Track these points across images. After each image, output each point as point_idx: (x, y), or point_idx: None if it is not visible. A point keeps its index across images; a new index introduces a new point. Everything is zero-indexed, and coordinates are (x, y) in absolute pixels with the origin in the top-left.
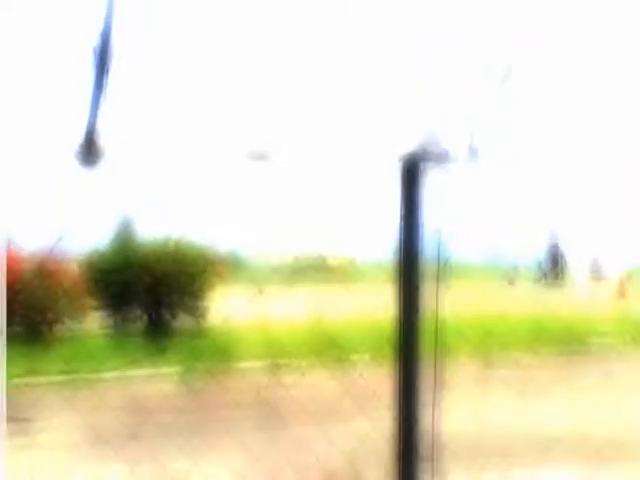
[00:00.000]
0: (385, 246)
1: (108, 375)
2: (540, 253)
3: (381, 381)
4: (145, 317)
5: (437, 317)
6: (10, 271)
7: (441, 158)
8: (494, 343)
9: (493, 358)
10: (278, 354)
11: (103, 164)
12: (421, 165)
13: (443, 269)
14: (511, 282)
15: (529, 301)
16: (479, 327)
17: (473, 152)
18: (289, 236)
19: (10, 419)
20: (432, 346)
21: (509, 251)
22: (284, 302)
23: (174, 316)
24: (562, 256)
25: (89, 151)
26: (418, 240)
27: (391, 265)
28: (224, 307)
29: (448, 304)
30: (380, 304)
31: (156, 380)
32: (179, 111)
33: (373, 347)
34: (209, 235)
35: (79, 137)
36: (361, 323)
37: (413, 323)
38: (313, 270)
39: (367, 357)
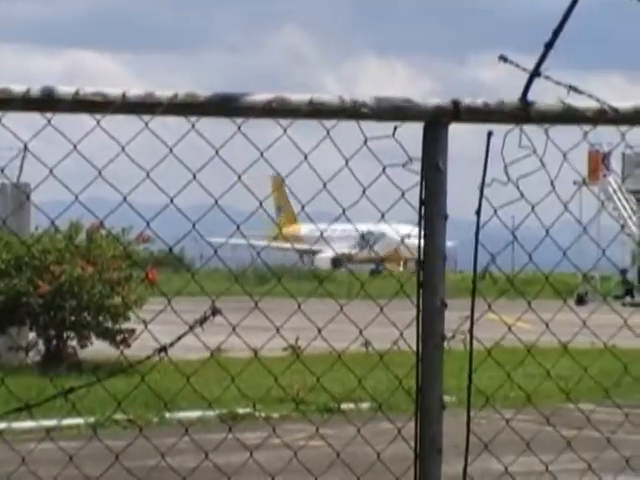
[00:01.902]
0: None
1: None
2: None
3: None
4: (41, 344)
5: (470, 346)
6: None
7: (476, 113)
8: (553, 393)
9: (559, 413)
10: (240, 400)
11: None
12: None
13: (482, 276)
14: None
15: (608, 328)
16: (533, 366)
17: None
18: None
19: None
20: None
21: (580, 256)
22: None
23: (83, 343)
24: None
25: None
26: (442, 229)
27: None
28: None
29: (486, 330)
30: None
31: (50, 437)
32: None
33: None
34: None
35: None
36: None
37: (432, 356)
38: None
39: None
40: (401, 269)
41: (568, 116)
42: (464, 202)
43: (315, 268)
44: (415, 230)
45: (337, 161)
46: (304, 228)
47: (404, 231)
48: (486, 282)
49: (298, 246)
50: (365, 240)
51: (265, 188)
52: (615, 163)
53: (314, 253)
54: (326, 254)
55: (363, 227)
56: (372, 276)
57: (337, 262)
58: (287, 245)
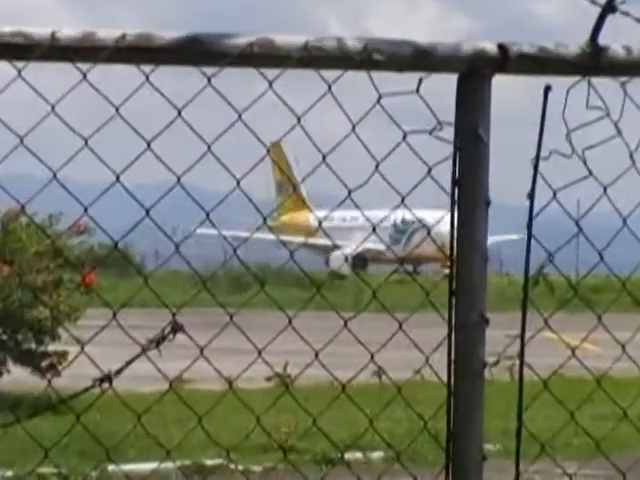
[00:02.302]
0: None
1: None
2: None
3: None
4: None
5: (521, 372)
6: None
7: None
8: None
9: None
10: (209, 447)
11: None
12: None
13: (535, 281)
14: None
15: None
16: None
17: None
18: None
19: None
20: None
21: None
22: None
23: None
24: None
25: None
26: (483, 219)
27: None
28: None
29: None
30: None
31: None
32: None
33: None
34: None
35: None
36: None
37: (468, 390)
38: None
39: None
40: (446, 272)
41: None
42: (508, 181)
43: (331, 271)
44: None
45: (345, 125)
46: (316, 215)
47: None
48: (541, 289)
49: (307, 240)
50: (399, 232)
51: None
52: None
53: (329, 250)
54: (345, 251)
55: (396, 215)
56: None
57: (360, 261)
58: (293, 238)
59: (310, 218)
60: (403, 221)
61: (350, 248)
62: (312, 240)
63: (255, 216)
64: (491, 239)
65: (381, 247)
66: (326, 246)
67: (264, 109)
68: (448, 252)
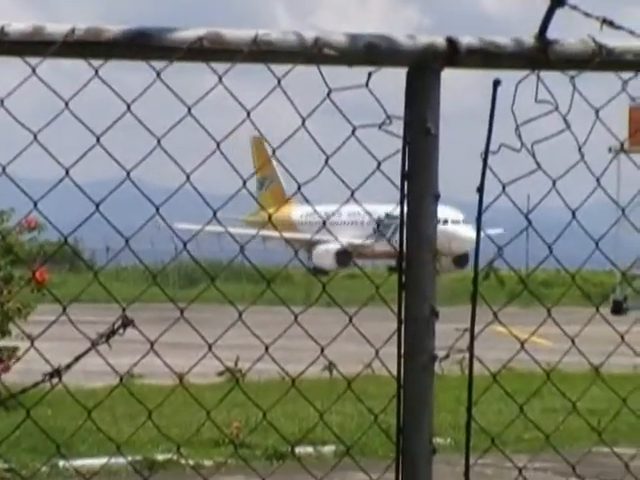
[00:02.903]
0: None
1: None
2: None
3: None
4: None
5: (470, 366)
6: None
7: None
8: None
9: (589, 459)
10: (160, 442)
11: None
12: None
13: (485, 275)
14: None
15: None
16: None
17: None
18: None
19: None
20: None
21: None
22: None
23: None
24: None
25: None
26: (431, 212)
27: None
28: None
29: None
30: None
31: None
32: None
33: None
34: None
35: None
36: None
37: (418, 383)
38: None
39: None
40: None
41: (601, 60)
42: (458, 175)
43: (313, 266)
44: (455, 214)
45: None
46: (297, 211)
47: (440, 214)
48: (491, 283)
49: (289, 235)
50: (383, 226)
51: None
52: None
53: (311, 245)
54: (328, 246)
55: (381, 209)
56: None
57: (344, 257)
58: (273, 233)
59: (292, 213)
60: (387, 215)
61: (334, 244)
62: (294, 235)
63: (237, 211)
64: (491, 232)
65: (366, 242)
66: (309, 241)
67: (218, 104)
68: (438, 246)
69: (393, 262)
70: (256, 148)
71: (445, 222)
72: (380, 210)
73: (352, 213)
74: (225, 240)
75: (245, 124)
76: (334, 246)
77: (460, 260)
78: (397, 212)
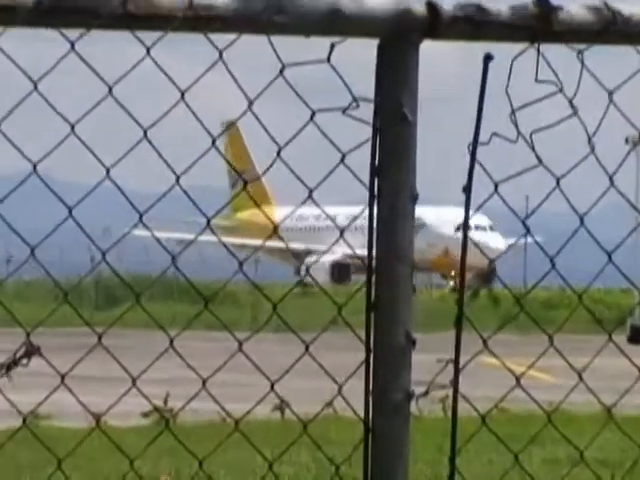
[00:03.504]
0: None
1: None
2: None
3: None
4: None
5: (455, 403)
6: None
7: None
8: None
9: None
10: None
11: None
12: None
13: (473, 294)
14: (637, 335)
15: None
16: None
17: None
18: None
19: None
20: None
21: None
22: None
23: None
24: None
25: None
26: (408, 216)
27: None
28: None
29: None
30: None
31: None
32: None
33: None
34: None
35: None
36: None
37: (390, 427)
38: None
39: None
40: (450, 284)
41: (616, 30)
42: (442, 171)
43: (300, 281)
44: (480, 219)
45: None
46: (280, 214)
47: (457, 219)
48: (483, 303)
49: (273, 244)
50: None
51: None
52: None
53: (299, 256)
54: (322, 257)
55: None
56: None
57: (341, 271)
58: (252, 242)
59: (276, 215)
60: None
61: (329, 254)
62: (278, 244)
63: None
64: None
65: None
66: (297, 251)
67: (148, 82)
68: (456, 258)
69: None
70: (229, 136)
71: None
72: (428, 213)
73: (351, 216)
74: (195, 249)
75: (198, 106)
76: (329, 257)
77: (484, 275)
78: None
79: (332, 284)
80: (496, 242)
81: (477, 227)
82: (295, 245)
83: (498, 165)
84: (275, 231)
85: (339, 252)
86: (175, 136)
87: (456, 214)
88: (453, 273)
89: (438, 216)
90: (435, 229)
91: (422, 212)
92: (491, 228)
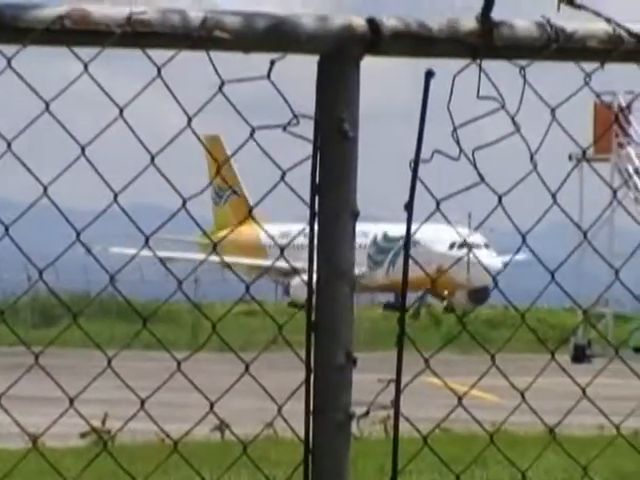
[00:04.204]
0: None
1: None
2: None
3: None
4: None
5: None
6: None
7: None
8: None
9: None
10: None
11: None
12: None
13: (415, 312)
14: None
15: (627, 401)
16: None
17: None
18: None
19: None
20: None
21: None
22: None
23: None
24: None
25: None
26: (348, 234)
27: None
28: None
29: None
30: None
31: None
32: None
33: None
34: None
35: None
36: None
37: (330, 447)
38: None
39: None
40: (443, 304)
41: (558, 47)
42: (383, 189)
43: (290, 301)
44: (475, 237)
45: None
46: (268, 230)
47: (451, 237)
48: (423, 322)
49: (258, 262)
50: (380, 252)
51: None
52: (638, 125)
53: (287, 274)
54: (405, 279)
55: (377, 228)
56: (386, 312)
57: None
58: (236, 259)
59: (260, 233)
60: (385, 238)
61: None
62: (263, 262)
63: (189, 232)
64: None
65: (359, 270)
66: (285, 270)
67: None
68: (451, 276)
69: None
70: (212, 150)
71: (461, 246)
72: (377, 230)
73: None
74: (174, 267)
75: (139, 124)
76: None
77: (478, 295)
78: (399, 233)
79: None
80: (490, 260)
81: (472, 245)
82: (281, 264)
83: (441, 182)
84: (214, 249)
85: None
86: (114, 154)
87: (449, 231)
88: (446, 292)
89: (430, 233)
90: (428, 247)
91: (413, 230)
92: (486, 246)
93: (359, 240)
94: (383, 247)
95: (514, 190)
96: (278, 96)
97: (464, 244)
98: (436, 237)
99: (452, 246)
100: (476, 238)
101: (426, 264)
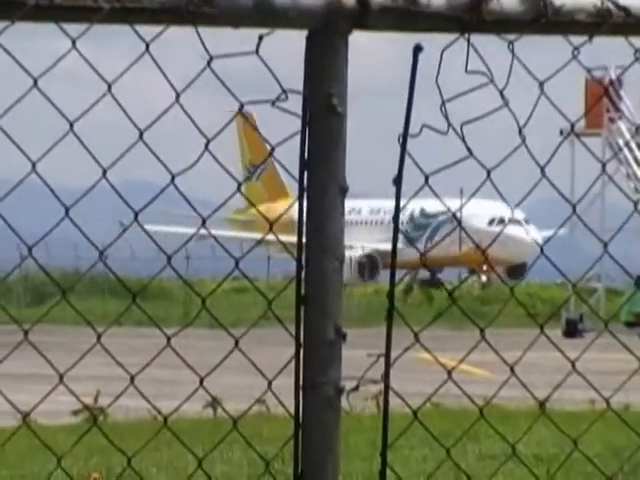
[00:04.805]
0: None
1: None
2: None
3: None
4: None
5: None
6: None
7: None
8: None
9: None
10: None
11: None
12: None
13: (406, 288)
14: (573, 328)
15: (617, 376)
16: None
17: None
18: None
19: None
20: None
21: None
22: None
23: None
24: None
25: None
26: (337, 208)
27: None
28: None
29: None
30: None
31: None
32: None
33: None
34: None
35: None
36: None
37: (320, 422)
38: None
39: None
40: (483, 279)
41: (547, 21)
42: (368, 163)
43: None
44: (511, 212)
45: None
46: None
47: (489, 212)
48: (416, 298)
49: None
50: (417, 228)
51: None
52: (629, 99)
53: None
54: (347, 252)
55: (414, 204)
56: (425, 291)
57: (369, 267)
58: (266, 236)
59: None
60: (423, 213)
61: (356, 251)
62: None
63: (204, 210)
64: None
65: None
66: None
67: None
68: (484, 253)
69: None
70: (243, 124)
71: (501, 222)
72: (414, 206)
73: (374, 210)
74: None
75: (128, 101)
76: (354, 253)
77: (516, 271)
78: (436, 209)
79: (361, 281)
80: (532, 235)
81: (512, 221)
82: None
83: (434, 156)
84: (271, 228)
85: (359, 247)
86: (110, 133)
87: (486, 207)
88: (485, 268)
89: (467, 209)
90: (465, 222)
91: (452, 205)
92: (526, 221)
93: (374, 217)
94: (420, 223)
95: (506, 165)
96: (267, 72)
97: (503, 220)
98: (474, 212)
99: (491, 222)
100: (516, 214)
101: (464, 240)
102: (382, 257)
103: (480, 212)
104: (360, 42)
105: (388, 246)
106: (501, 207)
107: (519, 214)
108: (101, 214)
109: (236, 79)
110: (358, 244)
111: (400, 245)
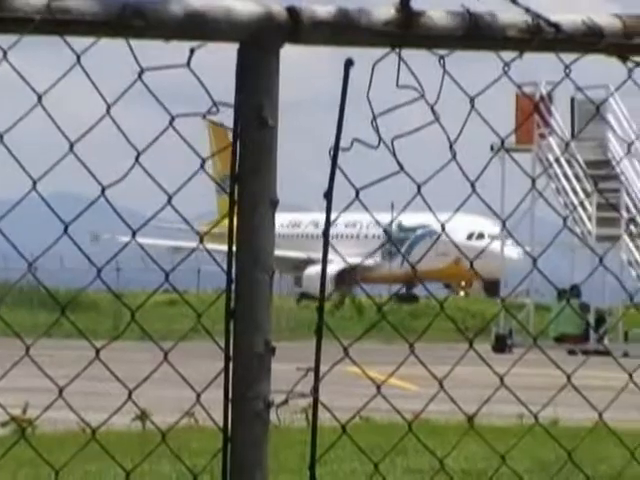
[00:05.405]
0: None
1: None
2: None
3: None
4: None
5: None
6: None
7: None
8: None
9: None
10: None
11: None
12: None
13: (338, 301)
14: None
15: (546, 391)
16: None
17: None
18: None
19: None
20: None
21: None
22: None
23: None
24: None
25: None
26: (268, 222)
27: None
28: None
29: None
30: None
31: None
32: None
33: None
34: None
35: None
36: None
37: (249, 436)
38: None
39: None
40: (461, 294)
41: (477, 35)
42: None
43: (300, 293)
44: (491, 227)
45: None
46: (278, 220)
47: (469, 227)
48: (347, 312)
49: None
50: (391, 243)
51: None
52: (559, 115)
53: (297, 266)
54: (324, 266)
55: (389, 218)
56: (401, 304)
57: (346, 280)
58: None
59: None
60: (401, 227)
61: (335, 264)
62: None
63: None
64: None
65: (370, 261)
66: (296, 260)
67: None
68: (462, 268)
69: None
70: (215, 136)
71: (480, 237)
72: (388, 220)
73: (350, 223)
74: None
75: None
76: (333, 267)
77: (493, 286)
78: (412, 223)
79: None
80: (509, 252)
81: (491, 236)
82: (294, 254)
83: (365, 171)
84: (201, 240)
85: (336, 261)
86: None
87: (466, 221)
88: (463, 283)
89: (448, 223)
90: (445, 237)
91: (429, 219)
92: (491, 234)
93: (371, 231)
94: (398, 238)
95: (438, 181)
96: (199, 85)
97: (483, 235)
98: (453, 227)
99: (470, 236)
100: (492, 228)
101: (444, 254)
102: (360, 271)
103: (458, 226)
104: (293, 54)
105: (364, 259)
106: (480, 221)
107: (496, 229)
108: (31, 226)
109: (173, 91)
110: (335, 258)
111: (378, 259)
